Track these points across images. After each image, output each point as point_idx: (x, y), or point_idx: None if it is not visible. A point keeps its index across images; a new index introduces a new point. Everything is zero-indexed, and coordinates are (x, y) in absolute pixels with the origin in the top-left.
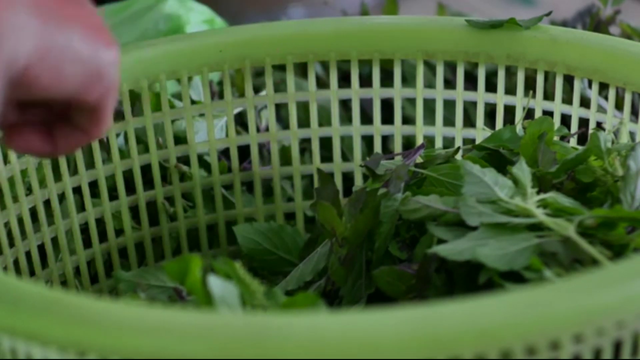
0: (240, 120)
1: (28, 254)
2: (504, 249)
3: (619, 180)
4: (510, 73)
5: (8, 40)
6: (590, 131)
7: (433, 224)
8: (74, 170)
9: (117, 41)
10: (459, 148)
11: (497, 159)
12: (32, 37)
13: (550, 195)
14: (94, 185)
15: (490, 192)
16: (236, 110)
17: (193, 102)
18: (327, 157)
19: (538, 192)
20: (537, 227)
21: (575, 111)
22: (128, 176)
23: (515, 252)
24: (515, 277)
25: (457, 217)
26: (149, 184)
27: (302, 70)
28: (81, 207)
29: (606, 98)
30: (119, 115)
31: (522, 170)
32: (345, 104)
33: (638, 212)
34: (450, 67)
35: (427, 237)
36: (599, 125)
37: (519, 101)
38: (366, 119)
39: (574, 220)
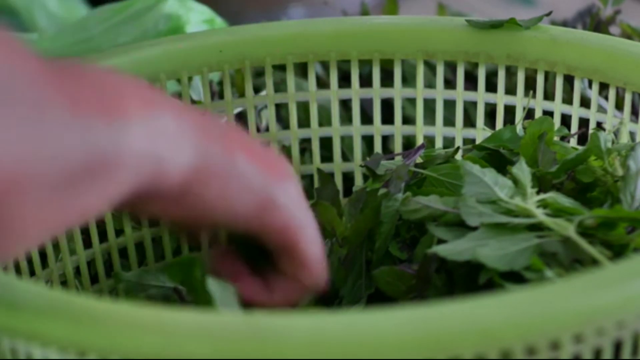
0: (240, 120)
1: (28, 254)
2: (504, 249)
3: (619, 181)
4: (510, 73)
5: (145, 141)
6: (591, 131)
7: (433, 224)
8: None
9: (293, 177)
10: (458, 148)
11: (497, 159)
12: (188, 151)
13: (550, 196)
14: None
15: (490, 192)
16: (236, 110)
17: (193, 102)
18: (327, 157)
19: (538, 192)
20: (537, 227)
21: (576, 111)
22: None
23: (516, 253)
24: (515, 277)
25: (457, 217)
26: None
27: (302, 70)
28: None
29: (606, 98)
30: None
31: (522, 170)
32: (345, 104)
33: (638, 212)
34: (450, 67)
35: (427, 237)
36: (599, 125)
37: (519, 101)
38: (366, 119)
39: (574, 220)
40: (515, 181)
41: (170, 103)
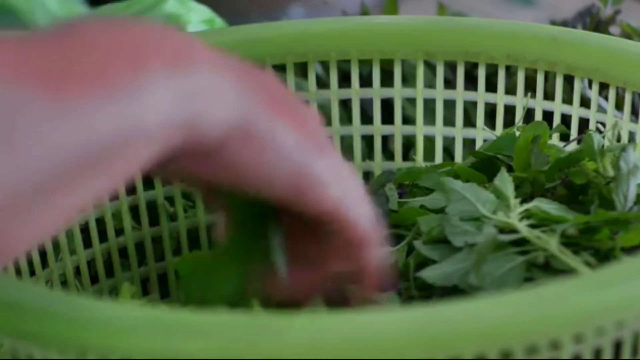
0: None
1: (28, 254)
2: (491, 273)
3: (611, 182)
4: (510, 73)
5: (194, 95)
6: (590, 132)
7: (419, 242)
8: None
9: (333, 150)
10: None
11: (491, 165)
12: (226, 108)
13: (535, 205)
14: None
15: (473, 209)
16: None
17: None
18: None
19: (524, 200)
20: (523, 240)
21: (575, 111)
22: None
23: (503, 274)
24: None
25: (443, 233)
26: (149, 184)
27: (302, 70)
28: None
29: (606, 98)
30: None
31: (504, 180)
32: (345, 104)
33: (620, 214)
34: (450, 67)
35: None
36: (600, 125)
37: (519, 101)
38: (366, 119)
39: (557, 230)
40: (498, 193)
41: (208, 54)
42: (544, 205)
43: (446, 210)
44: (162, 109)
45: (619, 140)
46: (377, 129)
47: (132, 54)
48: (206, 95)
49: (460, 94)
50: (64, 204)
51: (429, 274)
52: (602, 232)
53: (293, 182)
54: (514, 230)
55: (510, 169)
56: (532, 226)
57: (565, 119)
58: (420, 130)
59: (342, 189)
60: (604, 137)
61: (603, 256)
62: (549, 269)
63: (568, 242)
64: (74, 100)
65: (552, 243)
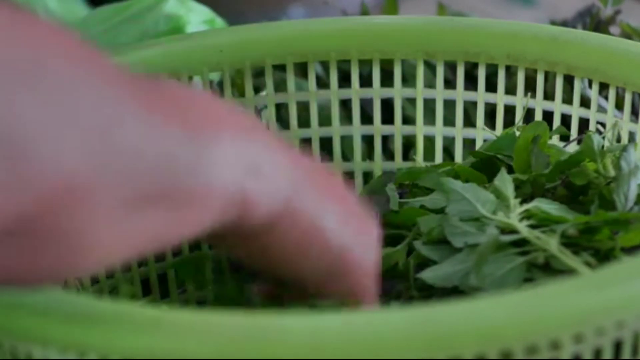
0: None
1: None
2: (491, 274)
3: (612, 182)
4: (510, 73)
5: (236, 172)
6: (589, 133)
7: (420, 242)
8: None
9: (377, 234)
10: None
11: (492, 165)
12: (280, 193)
13: (535, 205)
14: None
15: (473, 209)
16: None
17: None
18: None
19: (524, 201)
20: (523, 240)
21: (575, 111)
22: None
23: (503, 275)
24: None
25: (443, 233)
26: None
27: (302, 70)
28: None
29: (606, 98)
30: None
31: (504, 180)
32: (345, 104)
33: (619, 214)
34: (450, 67)
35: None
36: (601, 125)
37: (519, 101)
38: (366, 119)
39: (557, 231)
40: (498, 193)
41: (265, 133)
42: (544, 206)
43: (446, 210)
44: (228, 173)
45: (619, 140)
46: (377, 129)
47: (203, 118)
48: (263, 172)
49: (460, 94)
50: (129, 230)
51: (429, 275)
52: (602, 232)
53: (331, 269)
54: (514, 231)
55: (510, 169)
56: (532, 226)
57: (565, 119)
58: (420, 130)
59: (365, 283)
60: (603, 137)
61: (603, 256)
62: (549, 269)
63: (568, 243)
64: (165, 131)
65: (552, 243)
